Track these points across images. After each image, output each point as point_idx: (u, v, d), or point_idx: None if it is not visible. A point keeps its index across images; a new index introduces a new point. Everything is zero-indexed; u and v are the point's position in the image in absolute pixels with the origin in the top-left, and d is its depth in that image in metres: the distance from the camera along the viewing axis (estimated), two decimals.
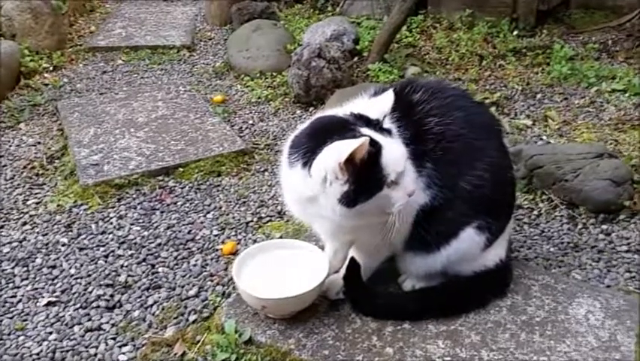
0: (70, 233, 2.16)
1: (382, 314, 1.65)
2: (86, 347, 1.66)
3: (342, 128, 1.43)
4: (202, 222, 2.21)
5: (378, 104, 1.53)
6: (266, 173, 2.54)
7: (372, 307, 1.66)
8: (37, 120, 3.05)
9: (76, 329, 1.73)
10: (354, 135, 1.39)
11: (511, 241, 1.97)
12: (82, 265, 1.99)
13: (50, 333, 1.71)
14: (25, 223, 2.23)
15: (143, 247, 2.08)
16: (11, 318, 1.78)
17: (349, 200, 1.40)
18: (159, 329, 1.72)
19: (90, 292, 1.87)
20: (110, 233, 2.15)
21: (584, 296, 1.74)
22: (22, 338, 1.70)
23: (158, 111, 3.04)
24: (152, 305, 1.81)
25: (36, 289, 1.89)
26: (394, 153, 1.43)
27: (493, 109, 2.89)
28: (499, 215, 1.69)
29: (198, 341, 1.64)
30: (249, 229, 2.18)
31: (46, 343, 1.68)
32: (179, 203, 2.33)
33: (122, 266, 1.98)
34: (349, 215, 1.43)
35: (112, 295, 1.85)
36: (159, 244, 2.09)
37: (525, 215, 2.24)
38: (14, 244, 2.11)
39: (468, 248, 1.64)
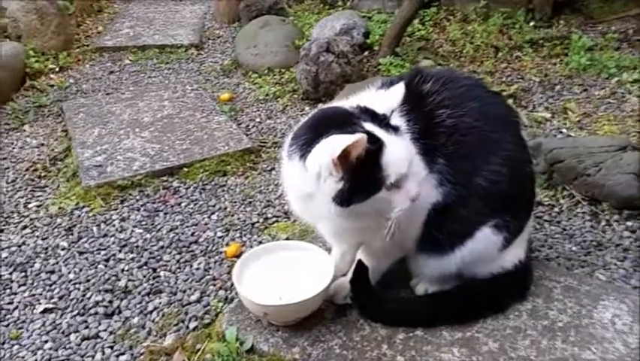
0: (70, 236, 2.09)
1: (393, 320, 1.55)
2: (82, 357, 1.59)
3: (343, 121, 1.34)
4: (206, 224, 2.13)
5: (387, 98, 1.43)
6: (273, 172, 2.45)
7: (381, 313, 1.56)
8: (41, 122, 3.00)
9: (72, 337, 1.66)
10: (354, 130, 1.29)
11: (531, 241, 1.86)
12: (81, 270, 1.92)
13: (46, 342, 1.65)
14: (25, 227, 2.17)
15: (145, 250, 2.00)
16: (7, 326, 1.71)
17: (343, 199, 1.31)
18: (158, 337, 1.64)
19: (88, 298, 1.80)
20: (111, 236, 2.08)
21: (610, 299, 1.62)
22: (16, 347, 1.64)
23: (164, 111, 2.97)
24: (151, 311, 1.73)
25: (33, 295, 1.83)
26: (397, 153, 1.32)
27: (510, 102, 2.77)
28: (517, 213, 1.58)
29: (198, 350, 1.55)
30: (254, 230, 2.09)
31: (40, 352, 1.61)
32: (183, 204, 2.26)
33: (122, 270, 1.91)
34: (344, 215, 1.35)
35: (111, 301, 1.78)
36: (162, 247, 2.01)
37: (545, 212, 2.13)
38: (13, 248, 2.05)
39: (484, 249, 1.54)
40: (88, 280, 1.87)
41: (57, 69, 3.60)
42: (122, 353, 1.59)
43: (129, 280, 1.86)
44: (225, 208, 2.23)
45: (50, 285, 1.87)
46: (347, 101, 1.52)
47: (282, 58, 3.48)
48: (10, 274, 1.92)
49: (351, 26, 3.53)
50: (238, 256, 1.89)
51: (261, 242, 1.99)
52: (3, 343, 1.65)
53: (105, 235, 2.09)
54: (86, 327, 1.69)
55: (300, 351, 1.47)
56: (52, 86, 3.40)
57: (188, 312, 1.71)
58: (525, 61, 3.36)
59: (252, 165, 2.50)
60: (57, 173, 2.51)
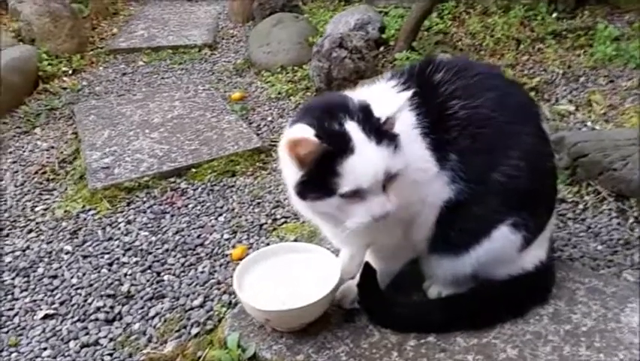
0: (75, 240, 2.05)
1: (403, 326, 1.46)
2: None
3: (324, 113, 1.26)
4: (213, 226, 2.07)
5: (391, 101, 1.34)
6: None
7: (391, 318, 1.47)
8: (52, 125, 2.98)
9: (71, 344, 1.61)
10: (330, 125, 1.23)
11: (553, 240, 1.75)
12: (84, 275, 1.87)
13: (44, 349, 1.60)
14: (30, 231, 2.13)
15: (150, 253, 1.95)
16: (6, 333, 1.67)
17: (298, 191, 1.27)
18: (159, 344, 1.58)
19: (90, 304, 1.75)
20: (116, 239, 2.03)
21: (638, 301, 1.50)
22: (14, 354, 1.59)
23: (175, 111, 2.92)
24: (153, 317, 1.67)
25: (34, 301, 1.78)
26: (363, 165, 1.22)
27: (532, 95, 2.65)
28: (537, 210, 1.48)
29: (199, 357, 1.49)
30: (262, 231, 2.02)
31: (39, 360, 1.56)
32: (190, 206, 2.20)
33: (125, 275, 1.85)
34: (304, 208, 1.33)
35: (112, 307, 1.73)
36: (166, 250, 1.96)
37: (569, 209, 2.01)
38: (17, 253, 2.01)
39: (502, 249, 1.44)
40: (90, 285, 1.82)
41: (70, 72, 3.59)
42: None
43: (132, 284, 1.81)
44: (233, 209, 2.16)
45: (52, 290, 1.82)
46: (355, 92, 1.44)
47: (294, 55, 3.41)
48: (13, 279, 1.88)
49: (365, 21, 3.44)
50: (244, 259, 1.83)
51: (268, 244, 1.92)
52: (1, 350, 1.61)
53: (110, 239, 2.04)
54: (86, 334, 1.64)
55: (304, 359, 1.39)
56: (64, 88, 3.38)
57: (191, 317, 1.65)
58: (548, 53, 3.22)
59: (261, 165, 2.44)
60: (65, 176, 2.48)
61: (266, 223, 2.06)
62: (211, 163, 2.42)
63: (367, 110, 1.26)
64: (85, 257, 1.96)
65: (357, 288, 1.48)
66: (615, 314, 1.47)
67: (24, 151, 2.73)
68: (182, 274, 1.84)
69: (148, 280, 1.82)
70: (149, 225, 2.10)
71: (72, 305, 1.75)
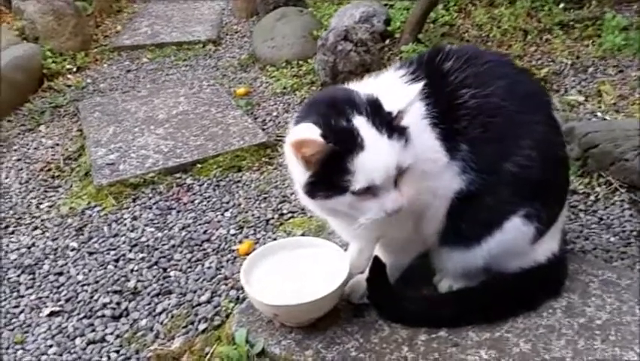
0: (80, 237, 2.04)
1: (414, 320, 1.43)
2: None
3: (332, 108, 1.23)
4: (219, 221, 2.05)
5: (397, 94, 1.31)
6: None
7: (401, 313, 1.44)
8: (57, 122, 2.96)
9: (77, 341, 1.59)
10: (337, 122, 1.19)
11: (566, 232, 1.72)
12: (90, 271, 1.86)
13: (50, 346, 1.59)
14: (36, 228, 2.12)
15: (156, 249, 1.93)
16: (12, 330, 1.66)
17: (307, 191, 1.24)
18: (166, 340, 1.56)
19: (96, 300, 1.73)
20: (122, 235, 2.02)
21: None
22: (20, 352, 1.58)
23: (180, 107, 2.90)
24: (160, 313, 1.66)
25: (40, 298, 1.77)
26: (375, 162, 1.19)
27: None
28: (550, 201, 1.45)
29: (207, 353, 1.47)
30: (268, 226, 2.00)
31: (45, 357, 1.55)
32: (196, 201, 2.18)
33: (132, 271, 1.84)
34: (314, 206, 1.30)
35: (119, 303, 1.71)
36: (173, 246, 1.94)
37: (580, 201, 1.98)
38: (22, 250, 2.00)
39: (514, 241, 1.41)
40: (96, 282, 1.81)
41: (74, 69, 3.58)
42: (128, 358, 1.52)
43: (138, 280, 1.79)
44: (239, 205, 2.14)
45: (58, 287, 1.81)
46: (362, 83, 1.41)
47: (299, 50, 3.37)
48: (19, 276, 1.87)
49: (371, 14, 3.41)
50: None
51: (275, 239, 1.89)
52: (7, 348, 1.59)
53: (116, 235, 2.02)
54: (92, 330, 1.62)
55: (313, 354, 1.36)
56: (69, 86, 3.37)
57: (198, 313, 1.63)
58: (555, 44, 3.18)
59: (267, 160, 2.41)
60: (70, 173, 2.47)
61: (272, 218, 2.04)
62: (217, 159, 2.39)
63: (376, 103, 1.23)
64: (91, 254, 1.94)
65: (366, 282, 1.45)
66: (630, 307, 1.44)
67: (29, 149, 2.72)
68: (189, 269, 1.82)
69: (154, 276, 1.80)
70: (155, 221, 2.08)
71: (78, 302, 1.73)
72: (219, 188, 2.25)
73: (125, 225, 2.07)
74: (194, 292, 1.72)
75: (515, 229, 1.39)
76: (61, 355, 1.55)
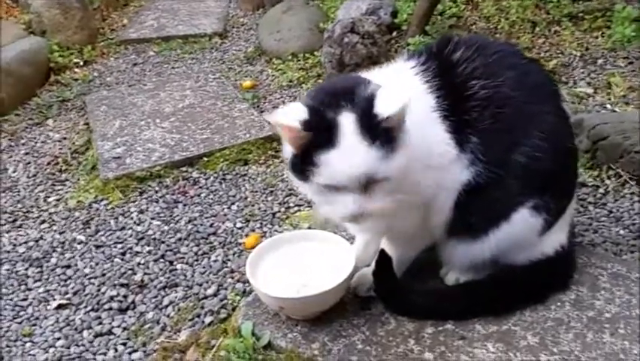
0: (88, 230, 2.04)
1: (420, 313, 1.43)
2: (94, 354, 1.53)
3: (330, 96, 1.22)
4: (225, 215, 2.05)
5: (404, 86, 1.32)
6: None
7: (407, 306, 1.44)
8: (64, 116, 2.97)
9: (85, 333, 1.60)
10: (323, 114, 1.19)
11: (574, 225, 1.70)
12: (97, 264, 1.86)
13: (58, 339, 1.59)
14: (43, 221, 2.12)
15: (163, 242, 1.93)
16: (20, 323, 1.66)
17: (290, 168, 1.27)
18: (173, 333, 1.56)
19: (103, 293, 1.73)
20: (129, 229, 2.02)
21: None
22: (28, 344, 1.58)
23: (186, 100, 2.90)
24: (167, 306, 1.66)
25: (48, 291, 1.78)
26: (340, 164, 1.17)
27: None
28: (558, 192, 1.44)
29: (213, 346, 1.46)
30: (275, 220, 2.00)
31: (52, 350, 1.55)
32: (202, 195, 2.17)
33: (138, 264, 1.84)
34: (298, 185, 1.30)
35: (125, 296, 1.71)
36: (179, 239, 1.94)
37: (589, 194, 1.97)
38: (30, 243, 2.00)
39: (521, 232, 1.40)
40: (103, 275, 1.81)
41: (81, 63, 3.56)
42: (135, 350, 1.52)
43: (145, 273, 1.79)
44: (246, 198, 2.13)
45: (65, 280, 1.81)
46: (372, 73, 1.40)
47: (305, 42, 3.35)
48: (26, 269, 1.88)
49: (377, 6, 3.38)
50: None
51: (281, 232, 1.88)
52: (15, 340, 1.60)
53: (122, 228, 2.02)
54: (100, 323, 1.63)
55: (319, 347, 1.36)
56: (76, 80, 3.36)
57: (204, 306, 1.63)
58: (564, 35, 3.14)
59: (273, 153, 2.40)
60: (77, 166, 2.47)
61: (279, 211, 2.04)
62: (223, 152, 2.39)
63: (371, 102, 1.19)
64: (98, 247, 1.94)
65: (372, 276, 1.45)
66: None
67: (36, 143, 2.72)
68: (196, 262, 1.82)
69: (161, 270, 1.80)
70: (162, 214, 2.08)
71: (85, 295, 1.74)
72: (225, 181, 2.25)
73: (132, 218, 2.07)
74: (201, 285, 1.72)
75: (523, 220, 1.38)
76: (68, 347, 1.56)
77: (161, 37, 3.93)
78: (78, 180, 2.37)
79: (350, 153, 1.17)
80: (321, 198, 1.26)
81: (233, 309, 1.58)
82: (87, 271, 1.84)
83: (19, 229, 2.10)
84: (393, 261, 1.42)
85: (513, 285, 1.46)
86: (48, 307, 1.71)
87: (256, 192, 2.16)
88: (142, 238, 1.96)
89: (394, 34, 3.36)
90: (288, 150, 1.27)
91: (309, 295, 1.37)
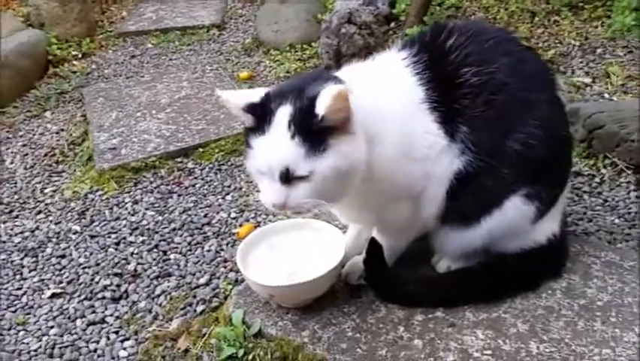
0: (83, 220, 2.05)
1: (410, 301, 1.42)
2: (87, 342, 1.54)
3: (289, 88, 1.26)
4: (220, 205, 2.05)
5: (393, 76, 1.35)
6: None
7: (397, 293, 1.44)
8: (62, 108, 2.97)
9: (78, 322, 1.61)
10: (273, 103, 1.22)
11: (567, 213, 1.70)
12: (91, 254, 1.87)
13: (51, 327, 1.60)
14: (39, 212, 2.13)
15: (156, 232, 1.93)
16: (14, 312, 1.67)
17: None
18: (165, 321, 1.57)
19: (97, 283, 1.74)
20: (123, 219, 2.02)
21: None
22: (22, 333, 1.60)
23: (182, 92, 2.89)
24: (159, 295, 1.66)
25: (42, 280, 1.78)
26: (261, 151, 1.22)
27: None
28: (551, 181, 1.43)
29: (204, 334, 1.47)
30: (269, 210, 1.99)
31: (45, 338, 1.56)
32: (197, 185, 2.18)
33: (132, 254, 1.84)
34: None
35: (119, 285, 1.72)
36: (173, 229, 1.94)
37: (585, 183, 1.96)
38: (26, 233, 2.01)
39: (514, 220, 1.39)
40: (97, 264, 1.82)
41: (80, 56, 3.56)
42: (127, 339, 1.53)
43: (138, 263, 1.80)
44: (241, 188, 2.13)
45: (60, 270, 1.82)
46: (361, 64, 1.42)
47: (302, 33, 3.34)
48: (22, 259, 1.88)
49: None
50: None
51: (275, 222, 1.88)
52: (9, 329, 1.61)
53: (117, 218, 2.03)
54: (93, 312, 1.64)
55: (309, 335, 1.36)
56: (74, 72, 3.36)
57: (197, 295, 1.63)
58: (563, 25, 3.12)
59: None
60: (74, 157, 2.47)
61: None
62: (218, 142, 2.39)
63: (313, 101, 1.18)
64: (92, 237, 1.95)
65: (363, 264, 1.45)
66: (632, 289, 1.43)
67: (34, 134, 2.73)
68: (189, 252, 1.82)
69: (154, 259, 1.81)
70: (156, 204, 2.08)
71: (79, 284, 1.74)
72: (221, 172, 2.25)
73: (127, 208, 2.08)
74: (193, 274, 1.72)
75: (515, 208, 1.38)
76: (62, 336, 1.56)
77: (160, 29, 3.92)
78: (74, 171, 2.38)
79: (274, 143, 1.20)
80: (256, 182, 1.31)
81: (225, 298, 1.58)
82: (81, 260, 1.84)
83: (16, 219, 2.11)
84: (384, 250, 1.42)
85: (505, 273, 1.45)
86: (42, 297, 1.71)
87: (251, 182, 2.16)
88: (136, 228, 1.96)
89: (392, 24, 3.35)
90: None
91: (298, 283, 1.37)
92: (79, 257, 1.86)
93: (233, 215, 1.98)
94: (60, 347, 1.52)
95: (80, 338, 1.55)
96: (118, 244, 1.90)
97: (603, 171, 1.99)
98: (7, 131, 2.78)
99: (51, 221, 2.07)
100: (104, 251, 1.87)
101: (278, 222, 1.64)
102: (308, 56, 3.19)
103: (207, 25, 3.89)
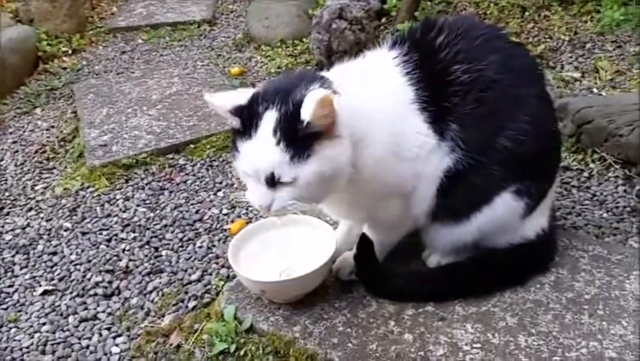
0: (74, 217, 2.04)
1: (401, 296, 1.43)
2: (79, 339, 1.54)
3: (274, 91, 1.25)
4: (211, 201, 2.05)
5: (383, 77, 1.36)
6: None
7: (388, 288, 1.45)
8: (53, 104, 2.95)
9: (70, 319, 1.61)
10: (259, 106, 1.22)
11: (556, 208, 1.72)
12: (83, 251, 1.86)
13: (43, 324, 1.60)
14: (30, 209, 2.13)
15: (148, 229, 1.93)
16: (6, 309, 1.67)
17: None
18: (157, 317, 1.57)
19: (89, 279, 1.74)
20: (114, 216, 2.02)
21: None
22: (14, 330, 1.59)
23: (173, 88, 2.89)
24: (151, 292, 1.67)
25: (34, 277, 1.78)
26: (247, 155, 1.24)
27: None
28: (541, 176, 1.45)
29: (196, 330, 1.47)
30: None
31: (37, 335, 1.56)
32: (188, 181, 2.18)
33: (124, 250, 1.85)
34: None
35: (110, 282, 1.72)
36: (165, 226, 1.94)
37: (574, 177, 1.98)
38: (17, 231, 2.01)
39: (504, 216, 1.41)
40: (89, 261, 1.82)
41: (70, 52, 3.54)
42: (119, 335, 1.53)
43: (130, 260, 1.80)
44: (232, 185, 2.14)
45: (52, 267, 1.82)
46: (352, 63, 1.43)
47: (293, 28, 3.34)
48: (13, 256, 1.88)
49: None
50: None
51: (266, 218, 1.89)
52: (1, 326, 1.61)
53: (108, 215, 2.03)
54: (85, 309, 1.64)
55: (301, 330, 1.37)
56: (64, 68, 3.35)
57: (188, 291, 1.64)
58: (553, 20, 3.14)
59: None
60: (65, 154, 2.47)
61: None
62: (210, 139, 2.39)
63: (298, 106, 1.18)
64: (84, 234, 1.95)
65: (354, 259, 1.46)
66: (620, 282, 1.44)
67: (24, 131, 2.72)
68: (181, 249, 1.83)
69: (146, 256, 1.81)
70: (148, 201, 2.08)
71: (71, 281, 1.74)
72: (212, 168, 2.25)
73: (118, 205, 2.08)
74: (185, 270, 1.72)
75: (505, 204, 1.39)
76: (53, 332, 1.57)
77: (150, 24, 3.90)
78: (65, 167, 2.37)
79: (260, 148, 1.21)
80: (243, 182, 1.32)
81: (217, 294, 1.59)
82: (73, 257, 1.84)
83: (6, 216, 2.10)
84: (374, 245, 1.43)
85: (494, 268, 1.47)
86: (34, 294, 1.71)
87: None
88: (127, 225, 1.96)
89: (383, 20, 3.35)
90: None
91: (289, 279, 1.38)
92: (70, 254, 1.86)
93: (224, 211, 1.99)
94: (52, 344, 1.52)
95: (72, 335, 1.55)
96: (109, 240, 1.90)
97: (592, 165, 2.01)
98: None
99: (42, 218, 2.06)
100: (95, 248, 1.87)
101: (269, 218, 1.64)
102: (299, 51, 3.19)
103: (198, 20, 3.88)
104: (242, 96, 1.26)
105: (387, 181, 1.34)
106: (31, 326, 1.60)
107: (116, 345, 1.50)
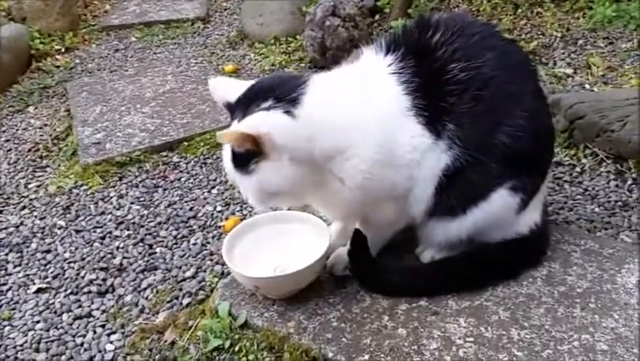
0: (68, 215, 2.04)
1: (395, 291, 1.44)
2: (73, 336, 1.54)
3: (246, 96, 1.33)
4: (205, 198, 2.05)
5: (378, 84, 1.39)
6: None
7: (382, 284, 1.45)
8: (46, 103, 2.94)
9: (64, 316, 1.61)
10: (236, 109, 1.33)
11: (549, 203, 1.73)
12: (77, 249, 1.86)
13: (37, 322, 1.60)
14: (24, 207, 2.12)
15: (142, 226, 1.93)
16: None
17: None
18: (151, 314, 1.57)
19: (82, 277, 1.74)
20: (108, 214, 2.02)
21: (635, 262, 1.49)
22: (7, 328, 1.59)
23: (167, 85, 2.88)
24: (145, 289, 1.67)
25: (28, 275, 1.78)
26: (223, 159, 1.36)
27: None
28: (535, 172, 1.45)
29: (191, 327, 1.48)
30: None
31: (31, 333, 1.56)
32: (182, 179, 2.18)
33: (117, 248, 1.85)
34: None
35: (104, 280, 1.72)
36: (159, 223, 1.94)
37: (566, 173, 1.99)
38: (11, 229, 2.00)
39: (500, 212, 1.42)
40: (83, 259, 1.81)
41: (63, 50, 3.53)
42: (114, 332, 1.53)
43: (124, 257, 1.80)
44: (226, 182, 2.13)
45: (45, 265, 1.81)
46: (346, 67, 1.44)
47: (287, 26, 3.34)
48: (6, 255, 1.88)
49: None
50: None
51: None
52: None
53: (102, 213, 2.03)
54: (79, 306, 1.64)
55: (295, 325, 1.38)
56: (57, 67, 3.33)
57: (183, 288, 1.64)
58: (546, 16, 3.15)
59: None
60: (58, 152, 2.46)
61: None
62: (203, 136, 2.39)
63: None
64: (77, 232, 1.95)
65: (348, 255, 1.46)
66: (611, 276, 1.46)
67: (17, 130, 2.71)
68: (175, 246, 1.83)
69: (140, 253, 1.81)
70: (142, 199, 2.08)
71: (65, 279, 1.74)
72: (206, 165, 2.25)
73: (112, 203, 2.07)
74: (179, 267, 1.73)
75: (501, 199, 1.40)
76: (47, 330, 1.56)
77: (143, 22, 3.89)
78: (59, 166, 2.37)
79: (225, 155, 1.35)
80: None
81: (212, 291, 1.59)
82: (67, 255, 1.84)
83: (0, 215, 2.10)
84: (368, 241, 1.43)
85: (487, 261, 1.48)
86: (28, 292, 1.71)
87: None
88: (121, 223, 1.96)
89: (377, 17, 3.36)
90: None
91: (283, 275, 1.38)
92: (64, 252, 1.86)
93: (219, 208, 1.99)
94: (46, 342, 1.52)
95: (66, 333, 1.55)
96: (103, 238, 1.90)
97: (584, 160, 2.02)
98: None
99: (36, 216, 2.06)
100: (89, 246, 1.87)
101: (263, 214, 1.64)
102: (293, 48, 3.19)
103: (192, 18, 3.86)
104: (241, 88, 1.33)
105: (375, 190, 1.34)
106: (25, 324, 1.59)
107: (111, 342, 1.50)
